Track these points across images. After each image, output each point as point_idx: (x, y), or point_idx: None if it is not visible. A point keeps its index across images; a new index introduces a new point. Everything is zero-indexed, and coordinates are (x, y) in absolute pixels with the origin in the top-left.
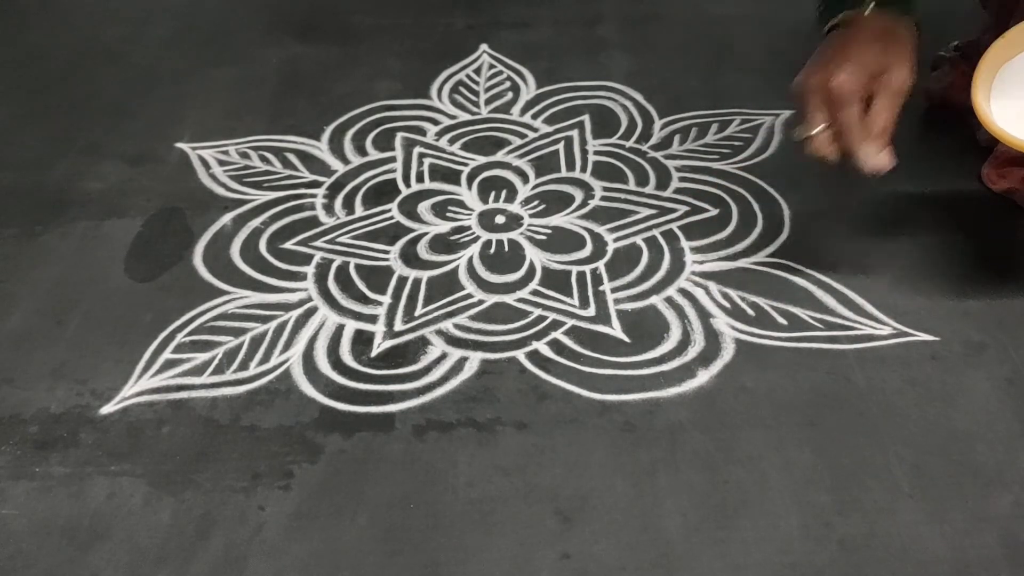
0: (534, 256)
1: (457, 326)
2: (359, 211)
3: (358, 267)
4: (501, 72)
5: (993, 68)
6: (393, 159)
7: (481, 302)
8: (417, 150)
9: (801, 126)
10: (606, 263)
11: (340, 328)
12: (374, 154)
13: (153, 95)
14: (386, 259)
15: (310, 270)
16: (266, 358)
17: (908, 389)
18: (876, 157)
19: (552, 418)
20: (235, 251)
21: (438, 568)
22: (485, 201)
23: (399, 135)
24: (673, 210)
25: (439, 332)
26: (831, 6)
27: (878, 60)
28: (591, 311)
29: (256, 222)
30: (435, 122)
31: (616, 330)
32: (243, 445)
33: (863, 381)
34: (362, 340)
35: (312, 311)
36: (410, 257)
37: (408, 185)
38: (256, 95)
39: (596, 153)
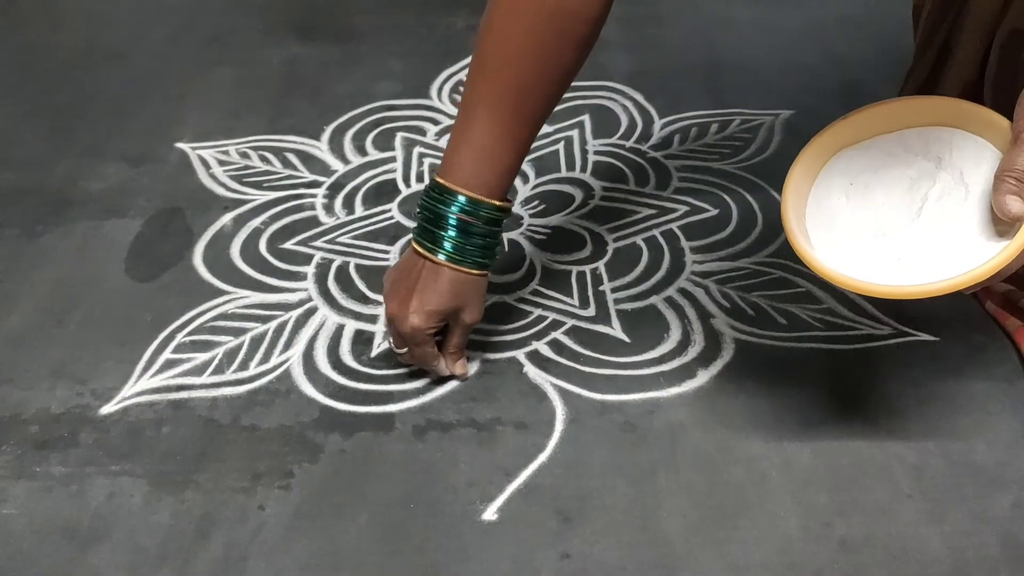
0: (534, 256)
1: None
2: (359, 211)
3: (358, 267)
4: None
5: (817, 161)
6: (393, 159)
7: None
8: (417, 150)
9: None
10: (606, 263)
11: (340, 328)
12: (374, 154)
13: (153, 95)
14: (386, 259)
15: (310, 270)
16: (266, 358)
17: (908, 389)
18: (454, 369)
19: (552, 418)
20: (235, 251)
21: (438, 568)
22: None
23: (399, 135)
24: (673, 210)
25: None
26: (420, 228)
27: (452, 305)
28: (591, 311)
29: (256, 222)
30: (435, 122)
31: (616, 330)
32: (243, 445)
33: (863, 381)
34: (362, 340)
35: (312, 311)
36: None
37: (408, 185)
38: (256, 95)
39: (596, 153)
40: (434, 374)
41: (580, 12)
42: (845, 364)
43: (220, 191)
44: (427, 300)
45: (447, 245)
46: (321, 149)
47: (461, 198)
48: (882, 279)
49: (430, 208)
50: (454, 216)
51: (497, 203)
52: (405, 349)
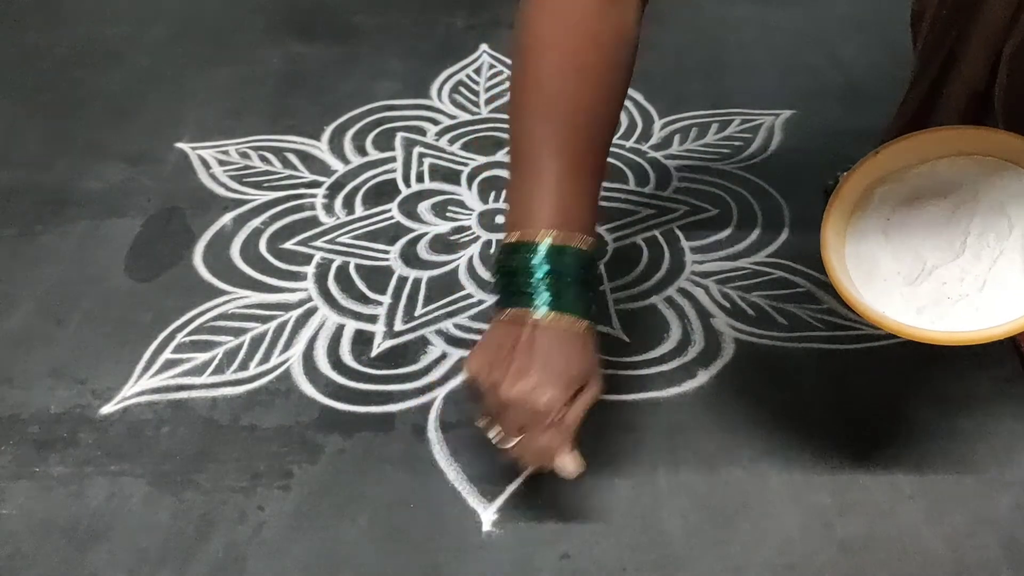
0: None
1: (457, 326)
2: (359, 211)
3: (358, 267)
4: (501, 72)
5: (856, 191)
6: (393, 159)
7: (481, 302)
8: (417, 150)
9: (491, 426)
10: (606, 263)
11: (340, 328)
12: (374, 154)
13: (153, 95)
14: (386, 259)
15: (310, 270)
16: (266, 358)
17: (908, 389)
18: (569, 465)
19: None
20: (235, 251)
21: (438, 568)
22: (485, 201)
23: (399, 135)
24: (673, 210)
25: (439, 332)
26: (504, 294)
27: (581, 374)
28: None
29: (256, 222)
30: (435, 122)
31: (616, 330)
32: (243, 445)
33: (863, 381)
34: (362, 340)
35: (312, 311)
36: (410, 257)
37: (408, 185)
38: (256, 95)
39: None
40: (541, 469)
41: (620, 29)
42: (845, 364)
43: (220, 191)
44: (556, 364)
45: (558, 300)
46: (321, 149)
47: (551, 245)
48: (938, 324)
49: (520, 269)
50: (559, 269)
51: (592, 241)
52: (520, 437)
